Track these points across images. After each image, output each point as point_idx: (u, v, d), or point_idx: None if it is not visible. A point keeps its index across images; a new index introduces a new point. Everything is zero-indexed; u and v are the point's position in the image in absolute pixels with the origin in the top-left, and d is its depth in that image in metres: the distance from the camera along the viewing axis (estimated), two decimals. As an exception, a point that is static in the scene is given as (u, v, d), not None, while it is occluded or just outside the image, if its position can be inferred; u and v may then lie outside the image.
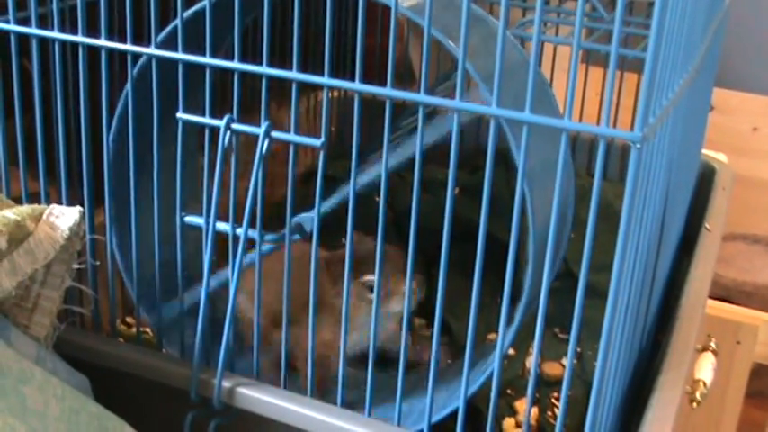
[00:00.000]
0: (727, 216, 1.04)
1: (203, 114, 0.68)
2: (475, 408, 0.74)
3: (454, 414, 0.67)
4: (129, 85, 0.71)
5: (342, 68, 1.13)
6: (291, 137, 0.66)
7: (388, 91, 0.62)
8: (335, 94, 1.18)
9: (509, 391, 0.88)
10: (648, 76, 0.53)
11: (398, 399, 0.69)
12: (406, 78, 1.25)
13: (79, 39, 0.70)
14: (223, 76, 0.68)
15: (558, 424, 0.63)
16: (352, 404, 0.72)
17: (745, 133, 2.03)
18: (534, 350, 0.63)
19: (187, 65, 0.68)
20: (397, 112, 0.69)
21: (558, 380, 0.89)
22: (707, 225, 0.97)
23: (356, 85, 0.62)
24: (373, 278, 0.68)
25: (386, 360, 0.82)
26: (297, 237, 0.71)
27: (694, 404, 0.88)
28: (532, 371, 0.64)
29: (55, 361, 0.67)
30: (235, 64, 0.66)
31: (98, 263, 0.75)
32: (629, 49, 0.96)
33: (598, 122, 0.56)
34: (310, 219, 0.70)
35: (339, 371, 0.71)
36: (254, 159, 0.66)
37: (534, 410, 0.85)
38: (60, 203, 0.72)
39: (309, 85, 0.64)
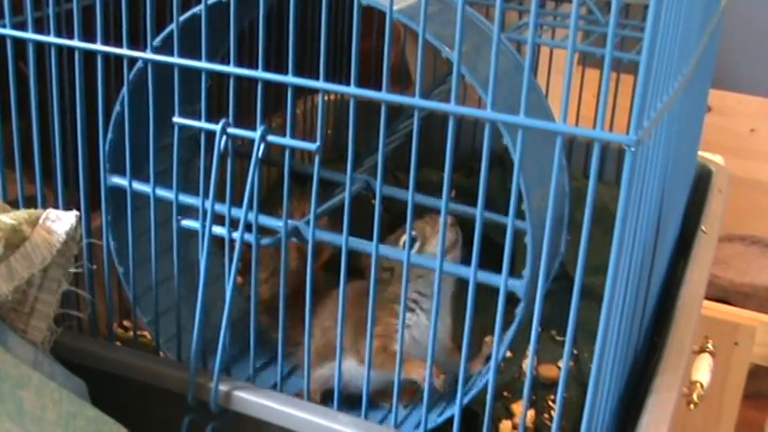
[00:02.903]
0: (724, 218, 1.04)
1: (200, 118, 0.68)
2: (471, 411, 0.74)
3: (452, 418, 0.68)
4: (125, 90, 0.71)
5: (338, 71, 1.13)
6: (287, 141, 0.66)
7: (383, 95, 0.62)
8: (332, 97, 1.18)
9: (506, 393, 0.88)
10: (643, 80, 0.54)
11: (395, 402, 0.69)
12: (402, 80, 1.25)
13: (75, 43, 0.70)
14: (220, 80, 0.68)
15: (554, 426, 0.64)
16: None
17: (742, 134, 2.03)
18: (530, 352, 0.63)
19: (183, 69, 0.68)
20: (393, 115, 0.69)
21: (555, 382, 0.89)
22: (703, 227, 0.97)
23: (352, 89, 0.62)
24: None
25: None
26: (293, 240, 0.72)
27: (691, 406, 0.88)
28: (528, 373, 0.64)
29: (52, 365, 0.67)
30: (230, 68, 0.66)
31: (95, 267, 0.76)
32: (625, 51, 0.96)
33: (594, 125, 0.57)
34: (306, 223, 0.70)
35: (335, 373, 0.71)
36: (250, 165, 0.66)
37: (531, 413, 0.85)
38: (57, 207, 0.72)
39: (305, 88, 0.64)
